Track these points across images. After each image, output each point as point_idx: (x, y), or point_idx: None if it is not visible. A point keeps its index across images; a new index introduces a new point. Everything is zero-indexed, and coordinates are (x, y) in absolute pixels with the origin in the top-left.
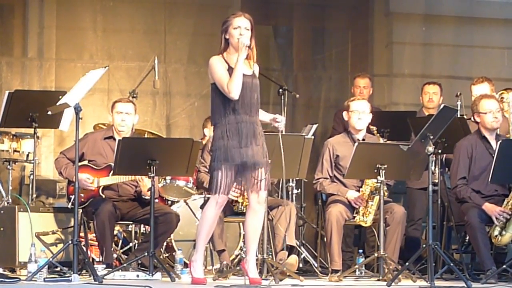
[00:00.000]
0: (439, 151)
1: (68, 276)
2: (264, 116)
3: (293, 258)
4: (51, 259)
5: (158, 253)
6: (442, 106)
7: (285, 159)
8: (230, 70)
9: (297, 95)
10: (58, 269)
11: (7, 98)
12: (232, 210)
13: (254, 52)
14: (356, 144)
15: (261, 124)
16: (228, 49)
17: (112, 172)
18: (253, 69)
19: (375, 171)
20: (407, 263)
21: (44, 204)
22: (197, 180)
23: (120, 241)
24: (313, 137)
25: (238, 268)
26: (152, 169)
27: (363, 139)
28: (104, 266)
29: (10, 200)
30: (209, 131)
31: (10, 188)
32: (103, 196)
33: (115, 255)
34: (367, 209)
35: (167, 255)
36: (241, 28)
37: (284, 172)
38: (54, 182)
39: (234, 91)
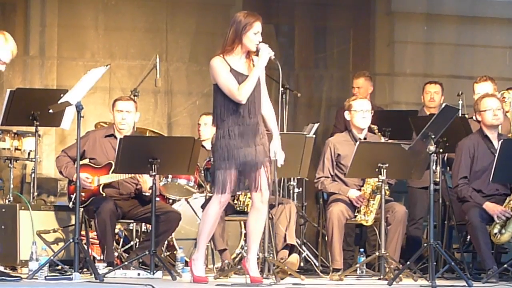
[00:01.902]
0: (441, 150)
1: (69, 275)
2: (270, 124)
3: (294, 257)
4: (52, 258)
5: (159, 252)
6: (443, 105)
7: (287, 158)
8: (233, 71)
9: (299, 94)
10: (59, 267)
11: (9, 96)
12: (234, 209)
13: None
14: (358, 143)
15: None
16: (233, 49)
17: (112, 170)
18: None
19: (377, 170)
20: (408, 262)
21: (45, 203)
22: None
23: (121, 239)
24: (314, 136)
25: (239, 266)
26: (153, 167)
27: (365, 138)
28: (105, 264)
29: (12, 198)
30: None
31: (12, 186)
32: (104, 194)
33: (116, 254)
34: (369, 208)
35: (168, 253)
36: (260, 33)
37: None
38: (55, 181)
39: (244, 97)
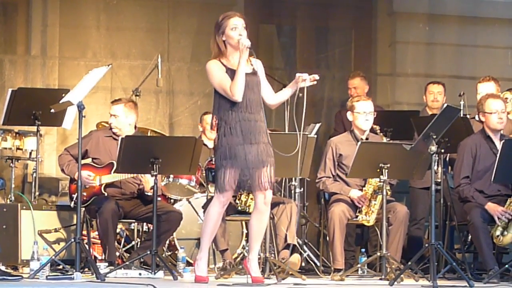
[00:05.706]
0: (442, 150)
1: (71, 274)
2: (285, 93)
3: (296, 257)
4: (53, 257)
5: (160, 252)
6: (445, 105)
7: (288, 158)
8: (229, 71)
9: (300, 94)
10: (61, 267)
11: (10, 96)
12: (235, 209)
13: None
14: (359, 143)
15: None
16: (225, 52)
17: (114, 169)
18: (253, 66)
19: (378, 170)
20: (409, 263)
21: (47, 202)
22: None
23: (123, 239)
24: (316, 136)
25: (240, 266)
26: (155, 167)
27: (367, 138)
28: (107, 264)
29: (13, 198)
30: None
31: (13, 186)
32: (105, 194)
33: (117, 253)
34: (370, 208)
35: (169, 253)
36: (238, 28)
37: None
38: (57, 180)
39: (237, 94)
